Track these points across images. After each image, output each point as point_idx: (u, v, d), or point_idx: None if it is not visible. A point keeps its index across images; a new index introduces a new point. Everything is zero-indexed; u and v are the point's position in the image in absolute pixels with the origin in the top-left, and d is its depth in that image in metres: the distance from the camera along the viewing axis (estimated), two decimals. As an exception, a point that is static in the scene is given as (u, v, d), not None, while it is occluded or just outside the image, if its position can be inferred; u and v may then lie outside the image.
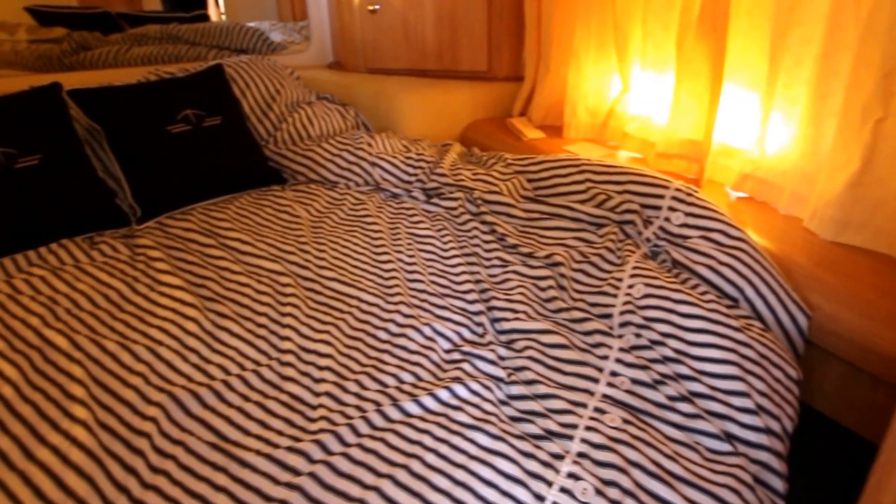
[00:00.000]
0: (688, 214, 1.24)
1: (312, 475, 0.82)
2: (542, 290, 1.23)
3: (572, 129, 1.85)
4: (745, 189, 1.40)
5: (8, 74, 2.22)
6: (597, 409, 0.94)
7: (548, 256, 1.30)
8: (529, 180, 1.57)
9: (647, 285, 1.12)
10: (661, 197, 1.30)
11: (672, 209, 1.27)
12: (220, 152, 1.68)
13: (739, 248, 1.14)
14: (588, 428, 0.90)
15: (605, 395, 0.97)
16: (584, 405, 0.95)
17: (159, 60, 2.38)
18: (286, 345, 1.09)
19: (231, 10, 2.66)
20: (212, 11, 2.65)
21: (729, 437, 0.90)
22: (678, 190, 1.28)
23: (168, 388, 0.97)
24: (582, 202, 1.44)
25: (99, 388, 0.98)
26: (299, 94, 2.05)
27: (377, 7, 2.15)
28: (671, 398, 0.95)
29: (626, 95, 1.74)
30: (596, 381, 1.00)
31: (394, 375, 1.03)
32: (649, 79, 1.65)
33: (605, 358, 1.04)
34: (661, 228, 1.28)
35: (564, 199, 1.47)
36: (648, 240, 1.29)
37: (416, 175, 1.73)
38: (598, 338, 1.08)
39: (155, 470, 0.84)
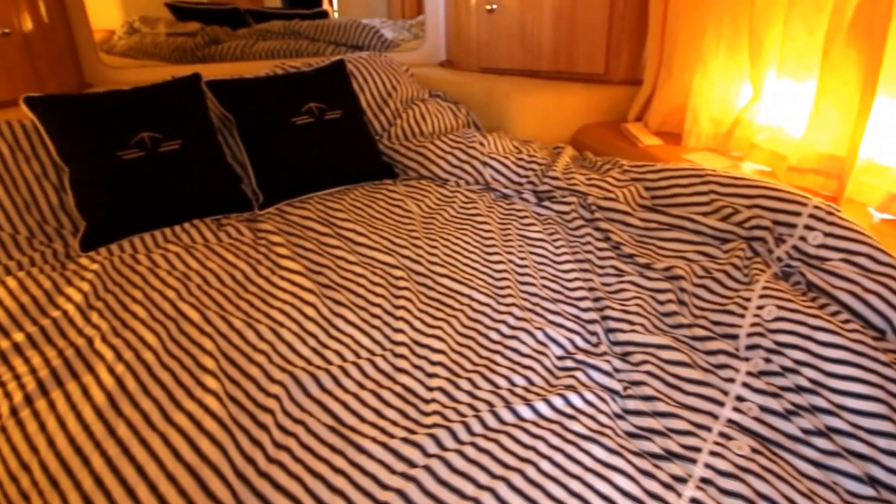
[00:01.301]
0: (828, 234, 1.16)
1: (428, 469, 0.83)
2: (661, 303, 1.19)
3: (693, 137, 1.78)
4: (893, 211, 1.29)
5: (148, 64, 2.40)
6: (722, 434, 0.89)
7: (667, 269, 1.26)
8: (647, 188, 1.52)
9: (780, 308, 1.05)
10: (797, 214, 1.22)
11: (809, 228, 1.19)
12: (338, 145, 1.73)
13: (889, 274, 1.05)
14: (713, 453, 0.86)
15: (730, 420, 0.92)
16: (707, 428, 0.91)
17: (281, 54, 2.49)
18: (399, 337, 1.11)
19: (343, 7, 2.75)
20: (326, 8, 2.75)
21: (872, 481, 0.83)
22: (817, 207, 1.19)
23: (289, 369, 1.01)
24: (705, 214, 1.37)
25: (227, 362, 1.03)
26: (414, 91, 2.08)
27: (494, 6, 2.15)
28: (806, 431, 0.89)
29: (757, 104, 1.65)
30: (721, 404, 0.95)
31: (506, 377, 1.02)
32: (785, 86, 1.55)
33: (730, 381, 0.98)
34: (796, 248, 1.20)
35: (685, 210, 1.41)
36: (780, 259, 1.22)
37: (527, 177, 1.71)
38: (722, 359, 1.03)
39: (278, 446, 0.88)
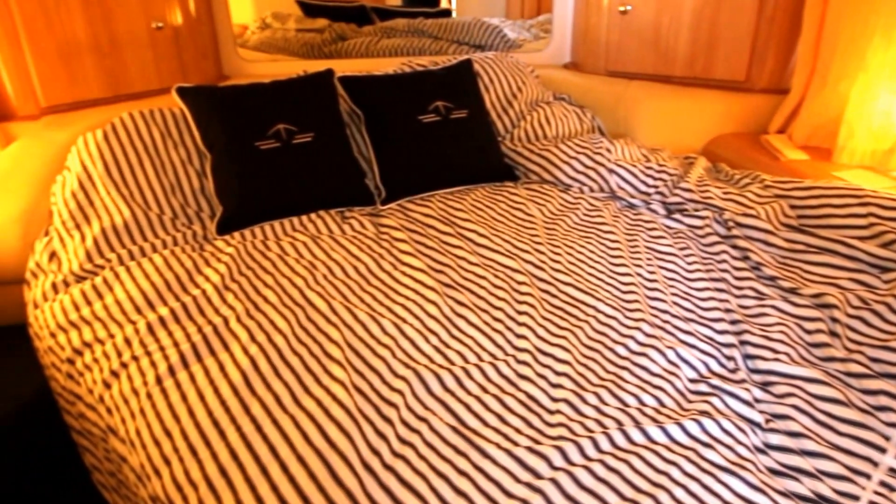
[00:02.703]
0: None
1: (554, 482, 0.80)
2: (809, 332, 1.10)
3: (846, 153, 1.63)
4: None
5: (279, 59, 2.51)
6: (884, 484, 0.80)
7: (817, 296, 1.15)
8: (793, 207, 1.41)
9: (957, 348, 0.94)
10: (978, 245, 1.08)
11: None
12: (462, 145, 1.73)
13: None
14: None
15: (893, 469, 0.83)
16: (865, 475, 0.82)
17: (405, 52, 2.53)
18: (522, 343, 1.09)
19: (461, 6, 2.75)
20: (444, 6, 2.77)
21: None
22: None
23: (413, 365, 1.02)
24: (861, 239, 1.25)
25: (352, 353, 1.04)
26: (539, 93, 2.05)
27: (628, 8, 2.08)
28: None
29: (927, 120, 1.49)
30: (881, 449, 0.85)
31: (635, 396, 0.98)
32: (965, 102, 1.39)
33: (893, 425, 0.89)
34: (974, 283, 1.07)
35: (838, 233, 1.29)
36: (954, 294, 1.09)
37: (655, 187, 1.64)
38: (883, 400, 0.93)
39: (403, 441, 0.88)
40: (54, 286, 1.32)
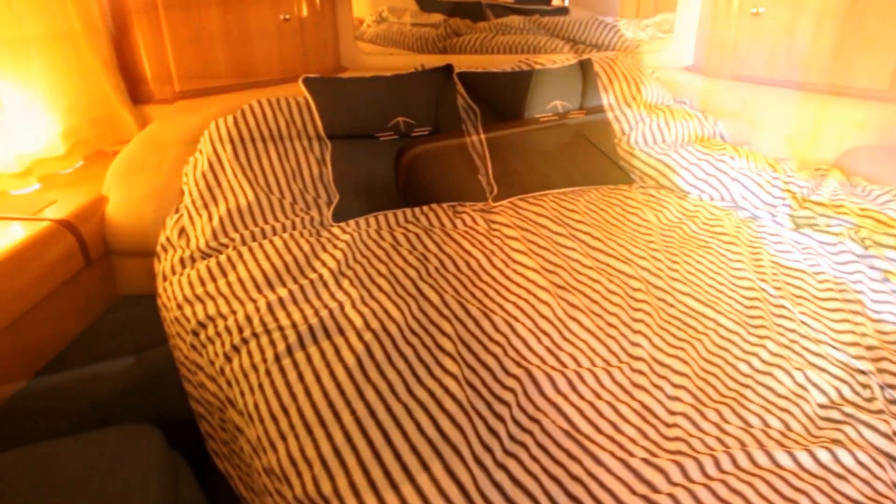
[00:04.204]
0: None
1: (673, 498, 0.78)
2: (961, 366, 1.00)
3: None
4: None
5: (394, 53, 2.56)
6: None
7: (972, 327, 1.05)
8: (943, 228, 1.29)
9: None
10: None
11: None
12: (578, 145, 1.70)
13: None
14: None
15: None
16: None
17: (519, 50, 2.50)
18: (637, 351, 1.06)
19: (573, 3, 2.69)
20: (555, 3, 2.71)
21: None
22: None
23: (525, 365, 1.01)
24: None
25: (464, 348, 1.05)
26: (659, 95, 1.98)
27: (761, 10, 1.96)
28: None
29: None
30: None
31: (759, 416, 0.93)
32: None
33: None
34: None
35: None
36: None
37: (783, 199, 1.54)
38: None
39: (514, 440, 0.88)
40: (182, 261, 1.40)
